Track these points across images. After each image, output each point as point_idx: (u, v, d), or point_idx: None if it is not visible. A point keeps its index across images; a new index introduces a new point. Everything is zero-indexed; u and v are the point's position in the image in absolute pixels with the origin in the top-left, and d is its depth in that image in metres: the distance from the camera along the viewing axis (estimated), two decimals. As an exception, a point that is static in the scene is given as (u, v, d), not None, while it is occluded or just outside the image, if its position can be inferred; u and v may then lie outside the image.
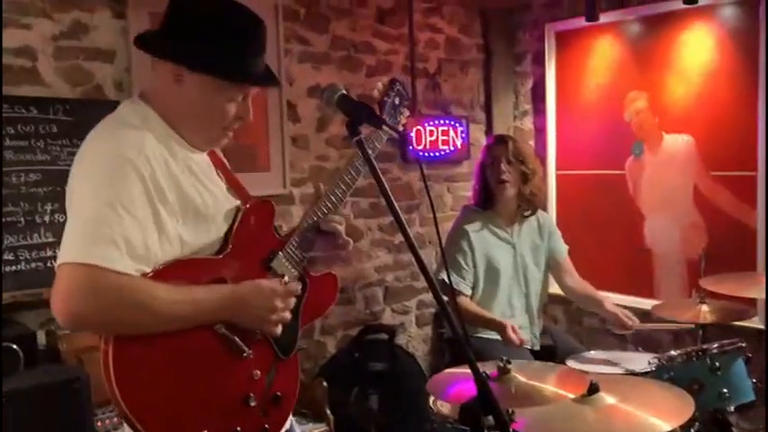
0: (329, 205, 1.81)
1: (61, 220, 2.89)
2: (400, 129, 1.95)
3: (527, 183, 3.26)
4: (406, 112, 1.97)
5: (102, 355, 1.45)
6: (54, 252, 2.90)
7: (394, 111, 1.94)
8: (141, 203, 1.45)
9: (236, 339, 1.58)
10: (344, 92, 1.56)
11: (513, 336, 2.92)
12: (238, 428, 1.58)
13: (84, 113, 3.04)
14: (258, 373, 1.64)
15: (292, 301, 1.67)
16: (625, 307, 4.02)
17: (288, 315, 1.65)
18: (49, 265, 2.88)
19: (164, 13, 1.63)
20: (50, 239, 2.89)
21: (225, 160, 1.84)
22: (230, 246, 1.64)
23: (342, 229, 1.83)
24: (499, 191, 3.25)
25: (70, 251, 1.39)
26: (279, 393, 1.68)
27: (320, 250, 1.86)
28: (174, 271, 1.51)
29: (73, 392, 2.47)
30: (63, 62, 3.07)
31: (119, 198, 1.42)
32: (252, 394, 1.61)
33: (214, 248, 1.63)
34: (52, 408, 2.43)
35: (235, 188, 1.77)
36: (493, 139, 3.45)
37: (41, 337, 2.89)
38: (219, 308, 1.55)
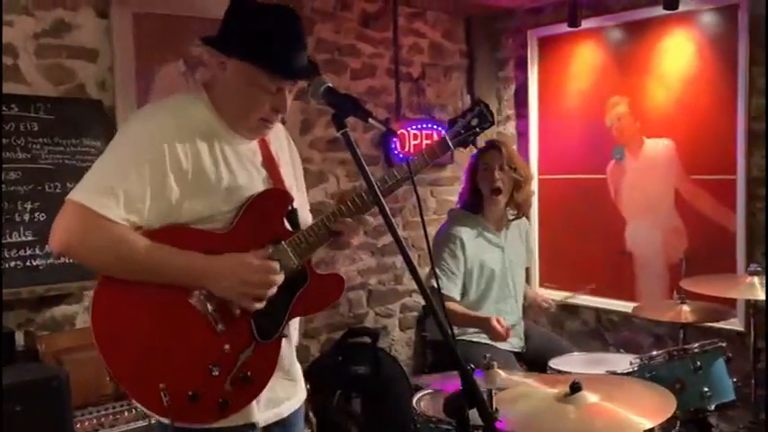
0: (351, 207, 1.81)
1: (42, 219, 2.86)
2: (466, 149, 2.00)
3: (520, 190, 3.28)
4: (474, 138, 1.99)
5: (93, 293, 1.66)
6: (34, 251, 2.87)
7: (465, 130, 1.95)
8: (152, 166, 1.62)
9: (210, 310, 1.65)
10: (330, 84, 1.56)
11: (498, 327, 2.91)
12: (192, 392, 1.64)
13: (66, 112, 3.02)
14: (228, 347, 1.68)
15: (275, 279, 1.68)
16: (607, 310, 4.09)
17: (266, 292, 1.67)
18: (28, 264, 2.85)
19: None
20: (30, 238, 2.86)
21: (279, 155, 1.89)
22: (234, 224, 1.72)
23: (352, 234, 1.83)
24: (492, 198, 3.26)
25: (81, 192, 1.62)
26: (249, 374, 1.70)
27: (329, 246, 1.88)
28: (167, 233, 1.65)
29: (51, 392, 2.43)
30: (45, 60, 3.05)
31: (131, 158, 1.64)
32: (216, 365, 1.66)
33: (221, 225, 1.71)
34: (30, 407, 2.39)
35: (275, 181, 1.82)
36: (486, 144, 3.40)
37: (20, 338, 2.86)
38: (192, 271, 1.64)
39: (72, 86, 3.12)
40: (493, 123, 2.00)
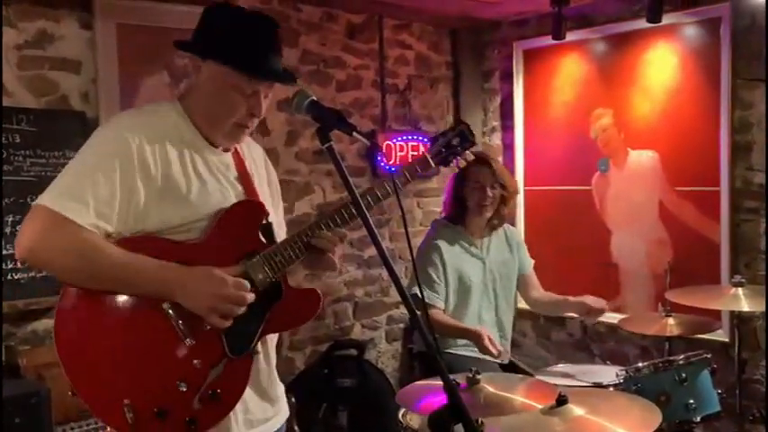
0: (329, 223, 1.77)
1: (23, 232, 2.83)
2: (447, 167, 1.99)
3: (506, 205, 3.32)
4: (461, 158, 1.97)
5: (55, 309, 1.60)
6: (15, 265, 2.83)
7: (446, 149, 1.94)
8: (121, 172, 1.60)
9: (178, 323, 1.60)
10: (314, 98, 1.55)
11: (489, 345, 2.91)
12: (158, 408, 1.58)
13: (49, 124, 3.00)
14: (198, 362, 1.62)
15: (245, 296, 1.63)
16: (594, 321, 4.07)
17: (235, 309, 1.62)
18: (9, 278, 2.81)
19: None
20: (11, 251, 2.82)
21: (254, 172, 1.87)
22: (206, 235, 1.68)
23: (330, 246, 1.78)
24: (478, 212, 3.27)
25: (50, 196, 1.58)
26: (219, 391, 1.64)
27: (306, 265, 1.85)
28: (138, 242, 1.62)
29: (31, 407, 2.40)
30: (27, 72, 3.03)
31: (100, 163, 1.60)
32: (184, 381, 1.60)
33: (193, 236, 1.68)
34: (10, 423, 2.35)
35: (251, 197, 1.80)
36: (474, 158, 3.41)
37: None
38: (160, 281, 1.59)
39: (55, 98, 3.09)
40: (474, 144, 1.99)
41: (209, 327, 1.63)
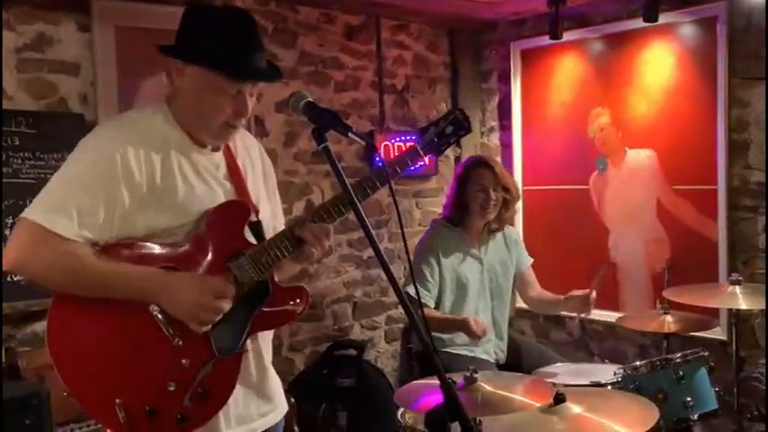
0: (313, 218, 1.79)
1: (22, 235, 2.83)
2: (439, 156, 1.97)
3: (508, 208, 3.33)
4: (447, 146, 1.95)
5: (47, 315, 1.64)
6: (15, 267, 2.84)
7: (439, 138, 1.92)
8: (103, 180, 1.62)
9: (167, 325, 1.63)
10: (310, 99, 1.56)
11: (475, 326, 2.94)
12: (150, 407, 1.62)
13: (48, 126, 3.00)
14: (186, 362, 1.65)
15: (224, 305, 1.65)
16: (592, 320, 4.09)
17: (213, 317, 1.64)
18: (9, 279, 2.81)
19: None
20: (11, 254, 2.83)
21: (247, 167, 1.87)
22: (192, 238, 1.69)
23: (315, 241, 1.77)
24: (481, 215, 3.27)
25: (34, 209, 1.60)
26: (208, 389, 1.67)
27: (294, 262, 1.85)
28: (122, 248, 1.65)
29: (32, 409, 2.40)
30: (26, 74, 3.03)
31: (83, 173, 1.63)
32: (173, 381, 1.64)
33: (179, 239, 1.69)
34: (11, 424, 2.36)
35: (241, 194, 1.80)
36: (475, 161, 3.40)
37: (0, 354, 2.82)
38: (148, 287, 1.62)
39: (54, 100, 3.10)
40: (470, 131, 1.97)
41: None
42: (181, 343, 1.65)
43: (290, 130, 3.92)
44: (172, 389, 1.64)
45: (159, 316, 1.63)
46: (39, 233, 1.58)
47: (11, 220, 2.86)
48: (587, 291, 3.13)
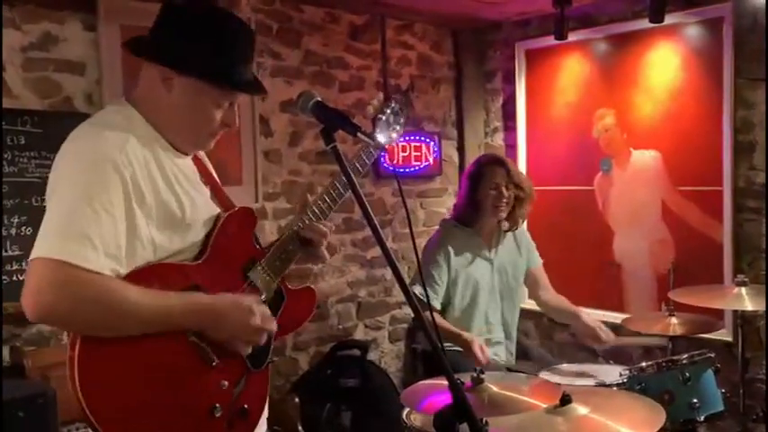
0: (311, 216, 1.80)
1: (28, 234, 2.84)
2: (386, 142, 1.98)
3: (522, 206, 3.30)
4: (399, 129, 2.00)
5: (68, 361, 1.43)
6: (20, 266, 2.84)
7: (387, 128, 1.96)
8: (118, 202, 1.45)
9: (207, 347, 1.56)
10: (319, 99, 1.56)
11: (479, 353, 2.89)
12: None
13: (53, 126, 3.00)
14: (226, 383, 1.60)
15: (272, 326, 1.64)
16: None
17: (263, 338, 1.62)
18: (14, 278, 2.82)
19: (155, 19, 1.63)
20: (16, 252, 2.83)
21: (211, 169, 1.83)
22: (207, 253, 1.63)
23: (322, 240, 1.79)
24: (493, 213, 3.24)
25: (44, 246, 1.38)
26: (246, 406, 1.64)
27: (299, 262, 1.85)
28: (148, 274, 1.50)
29: (38, 408, 2.40)
30: (32, 74, 3.03)
31: (96, 195, 1.42)
32: (218, 404, 1.57)
33: (191, 254, 1.62)
34: (17, 424, 2.36)
35: (219, 197, 1.76)
36: (488, 159, 3.38)
37: (6, 354, 2.83)
38: (194, 319, 1.53)
39: (59, 100, 3.10)
40: (411, 104, 2.07)
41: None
42: (219, 364, 1.57)
43: (295, 130, 3.91)
44: (218, 415, 1.56)
45: (197, 340, 1.54)
46: (61, 270, 1.35)
47: (16, 219, 2.86)
48: (612, 336, 3.13)
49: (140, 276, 1.48)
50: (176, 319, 1.50)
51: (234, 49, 1.61)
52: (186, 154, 1.69)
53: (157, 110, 1.60)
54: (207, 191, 1.74)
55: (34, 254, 1.39)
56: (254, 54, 1.69)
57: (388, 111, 1.98)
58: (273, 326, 1.64)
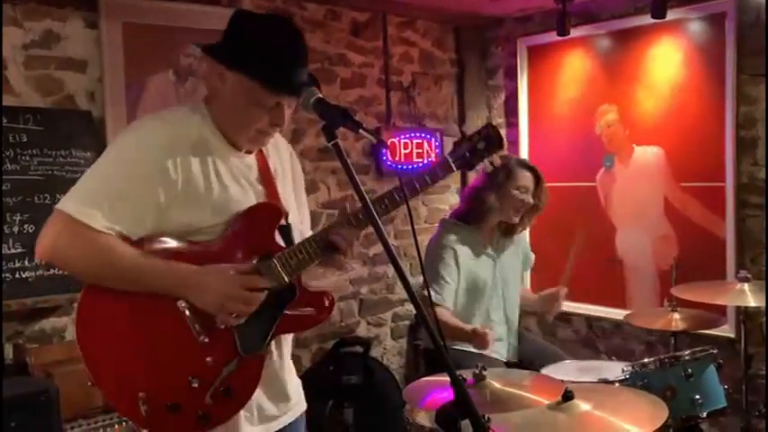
0: (353, 221, 1.80)
1: (31, 231, 2.84)
2: (471, 171, 1.96)
3: (531, 216, 3.33)
4: (487, 161, 1.92)
5: (78, 299, 1.66)
6: (23, 263, 2.85)
7: (471, 153, 1.90)
8: (139, 177, 1.64)
9: (194, 322, 1.64)
10: (321, 95, 1.56)
11: (482, 332, 2.87)
12: (171, 402, 1.64)
13: (55, 123, 3.01)
14: (210, 360, 1.67)
15: (257, 296, 1.66)
16: (599, 317, 4.09)
17: (247, 309, 1.66)
18: (17, 276, 2.82)
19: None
20: (19, 250, 2.84)
21: (281, 175, 1.88)
22: (223, 238, 1.71)
23: (347, 248, 1.79)
24: (506, 214, 3.22)
25: (68, 201, 1.64)
26: (230, 388, 1.68)
27: (320, 265, 1.85)
28: (156, 243, 1.66)
29: (41, 405, 2.41)
30: (34, 71, 3.04)
31: (119, 167, 1.66)
32: (196, 377, 1.65)
33: (210, 236, 1.71)
34: (20, 421, 2.37)
35: (271, 197, 1.81)
36: (518, 161, 3.36)
37: (9, 351, 2.84)
38: (176, 281, 1.64)
39: (61, 97, 3.11)
40: (501, 147, 1.94)
41: (222, 326, 1.67)
42: (206, 340, 1.66)
43: (296, 128, 3.91)
44: (195, 385, 1.65)
45: (187, 312, 1.64)
46: (73, 226, 1.61)
47: (18, 217, 2.86)
48: (556, 289, 3.17)
49: (146, 243, 1.65)
50: (162, 281, 1.64)
51: (283, 51, 1.69)
52: (243, 150, 1.78)
53: (217, 104, 1.75)
54: (260, 189, 1.79)
55: (60, 204, 1.64)
56: (304, 59, 1.74)
57: (479, 136, 1.91)
58: (259, 296, 1.67)
